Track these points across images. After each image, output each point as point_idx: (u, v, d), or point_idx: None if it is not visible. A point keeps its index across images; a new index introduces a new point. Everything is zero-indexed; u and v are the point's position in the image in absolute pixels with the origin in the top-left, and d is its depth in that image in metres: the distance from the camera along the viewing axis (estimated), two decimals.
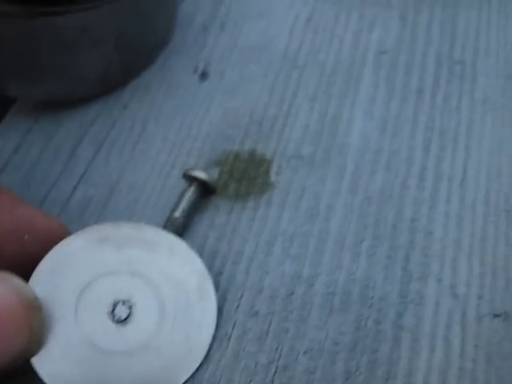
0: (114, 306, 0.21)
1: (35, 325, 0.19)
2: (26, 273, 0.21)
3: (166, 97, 0.30)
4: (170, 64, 0.32)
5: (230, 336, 0.22)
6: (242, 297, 0.23)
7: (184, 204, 0.25)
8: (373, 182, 0.25)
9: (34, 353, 0.20)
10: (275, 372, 0.21)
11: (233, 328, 0.22)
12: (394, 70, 0.28)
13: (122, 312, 0.21)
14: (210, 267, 0.23)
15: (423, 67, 0.28)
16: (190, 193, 0.25)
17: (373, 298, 0.22)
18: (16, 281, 0.19)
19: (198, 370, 0.21)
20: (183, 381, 0.21)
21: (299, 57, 0.30)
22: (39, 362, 0.20)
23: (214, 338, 0.22)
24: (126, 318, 0.21)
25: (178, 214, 0.25)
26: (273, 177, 0.26)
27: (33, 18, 0.27)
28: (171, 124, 0.29)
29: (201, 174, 0.25)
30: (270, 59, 0.30)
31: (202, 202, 0.26)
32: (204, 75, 0.31)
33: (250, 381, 0.21)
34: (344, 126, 0.27)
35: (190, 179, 0.25)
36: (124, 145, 0.29)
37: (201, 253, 0.23)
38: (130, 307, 0.21)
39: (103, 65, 0.29)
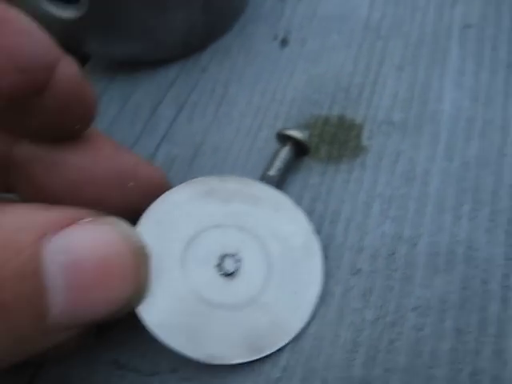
0: (222, 259, 0.21)
1: (143, 273, 0.19)
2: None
3: (246, 62, 0.30)
4: (248, 31, 0.31)
5: (334, 293, 0.22)
6: (342, 256, 0.23)
7: (279, 163, 0.25)
8: (468, 149, 0.25)
9: (139, 302, 0.19)
10: (383, 328, 0.21)
11: (336, 285, 0.22)
12: (480, 43, 0.28)
13: (229, 266, 0.21)
14: None
15: (510, 42, 0.28)
16: (285, 152, 0.25)
17: (478, 259, 0.22)
18: (125, 226, 0.18)
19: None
20: (290, 338, 0.21)
21: (382, 28, 0.30)
22: (145, 312, 0.20)
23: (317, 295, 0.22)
24: (233, 272, 0.21)
25: (272, 172, 0.24)
26: (365, 141, 0.26)
27: None
28: (254, 88, 0.29)
29: (296, 134, 0.25)
30: (352, 29, 0.30)
31: (295, 163, 0.26)
32: (284, 43, 0.31)
33: (357, 336, 0.21)
34: (434, 94, 0.27)
35: (284, 139, 0.25)
36: (206, 107, 0.29)
37: None
38: (238, 261, 0.21)
39: (188, 27, 0.29)
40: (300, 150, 0.25)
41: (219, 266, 0.21)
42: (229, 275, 0.21)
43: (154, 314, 0.20)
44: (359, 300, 0.22)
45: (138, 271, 0.18)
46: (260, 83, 0.29)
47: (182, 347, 0.20)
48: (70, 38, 0.29)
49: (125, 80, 0.30)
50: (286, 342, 0.21)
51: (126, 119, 0.29)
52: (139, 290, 0.19)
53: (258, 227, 0.22)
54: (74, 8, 0.28)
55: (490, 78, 0.27)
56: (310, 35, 0.31)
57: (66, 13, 0.29)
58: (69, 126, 0.19)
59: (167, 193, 0.22)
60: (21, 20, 0.17)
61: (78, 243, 0.16)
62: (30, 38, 0.17)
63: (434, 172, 0.25)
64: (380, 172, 0.25)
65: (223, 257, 0.21)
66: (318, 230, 0.24)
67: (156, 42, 0.29)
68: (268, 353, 0.21)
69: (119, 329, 0.22)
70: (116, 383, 0.22)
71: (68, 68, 0.18)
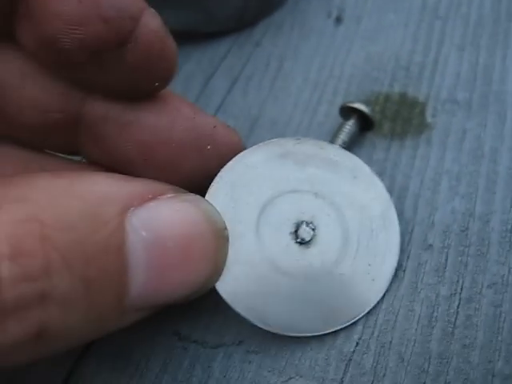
0: (298, 226, 0.20)
1: (222, 256, 0.18)
2: (203, 190, 0.20)
3: (300, 38, 0.30)
4: (301, 7, 0.31)
5: (405, 268, 0.21)
6: (412, 230, 0.22)
7: (343, 136, 0.24)
8: None
9: (215, 282, 0.18)
10: (459, 304, 0.21)
11: (407, 260, 0.22)
12: None
13: (305, 233, 0.20)
14: None
15: None
16: (350, 124, 0.24)
17: None
18: (208, 205, 0.17)
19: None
20: (364, 312, 0.20)
21: (440, 9, 0.30)
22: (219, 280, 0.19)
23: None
24: (309, 240, 0.20)
25: (338, 144, 0.24)
26: (429, 118, 0.25)
27: None
28: (310, 64, 0.28)
29: (361, 107, 0.24)
30: (409, 9, 0.30)
31: (359, 137, 0.25)
32: (339, 20, 0.30)
33: (433, 311, 0.20)
34: (498, 75, 0.26)
35: (348, 112, 0.25)
36: (261, 80, 0.28)
37: None
38: (314, 229, 0.20)
39: (242, 1, 0.29)
40: (365, 124, 0.25)
41: (295, 233, 0.20)
42: (304, 243, 0.20)
43: (227, 282, 0.19)
44: (432, 275, 0.21)
45: (217, 254, 0.17)
46: (316, 59, 0.28)
47: (252, 316, 0.20)
48: None
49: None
50: (361, 315, 0.20)
51: (177, 90, 0.28)
52: (217, 273, 0.18)
53: (335, 194, 0.21)
54: None
55: None
56: (365, 13, 0.30)
57: None
58: (147, 83, 0.18)
59: (241, 154, 0.21)
60: None
61: (162, 219, 0.16)
62: None
63: (502, 150, 0.24)
64: (447, 149, 0.24)
65: (299, 224, 0.20)
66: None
67: (209, 14, 0.29)
68: (341, 326, 0.20)
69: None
70: (178, 355, 0.21)
71: (152, 21, 0.17)
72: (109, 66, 0.17)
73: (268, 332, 0.20)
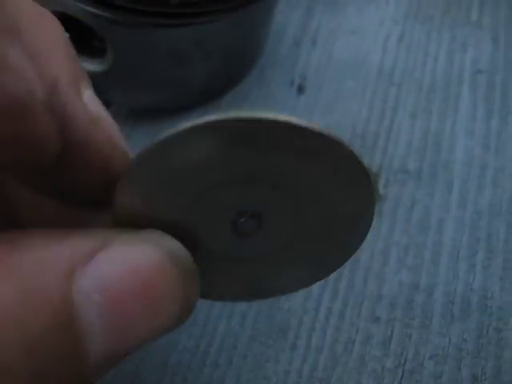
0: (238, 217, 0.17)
1: (191, 294, 0.16)
2: None
3: (265, 109, 0.31)
4: (265, 76, 0.33)
5: (354, 341, 0.23)
6: (362, 303, 0.24)
7: None
8: (481, 197, 0.26)
9: (187, 319, 0.16)
10: (402, 376, 0.22)
11: (356, 333, 0.23)
12: (491, 89, 0.30)
13: (246, 226, 0.17)
14: None
15: None
16: None
17: (492, 308, 0.23)
18: (171, 242, 0.15)
19: (324, 369, 0.23)
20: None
21: (395, 74, 0.31)
22: None
23: (339, 342, 0.23)
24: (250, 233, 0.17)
25: None
26: (381, 189, 0.27)
27: (148, 28, 0.28)
28: None
29: None
30: (366, 75, 0.31)
31: None
32: (301, 89, 0.32)
33: (378, 383, 0.22)
34: (447, 142, 0.28)
35: None
36: None
37: None
38: (259, 221, 0.17)
39: (208, 76, 0.31)
40: None
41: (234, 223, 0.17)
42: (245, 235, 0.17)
43: None
44: (379, 347, 0.23)
45: (186, 293, 0.15)
46: None
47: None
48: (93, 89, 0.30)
49: (146, 127, 0.32)
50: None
51: None
52: (188, 311, 0.16)
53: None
54: (98, 62, 0.30)
55: (500, 125, 0.28)
56: (326, 81, 0.32)
57: (92, 66, 0.30)
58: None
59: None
60: None
61: (116, 273, 0.14)
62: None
63: (448, 221, 0.26)
64: (397, 220, 0.26)
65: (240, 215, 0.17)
66: (339, 278, 0.25)
67: (177, 91, 0.31)
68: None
69: None
70: None
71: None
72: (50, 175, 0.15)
73: None
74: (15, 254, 0.13)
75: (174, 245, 0.15)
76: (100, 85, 0.31)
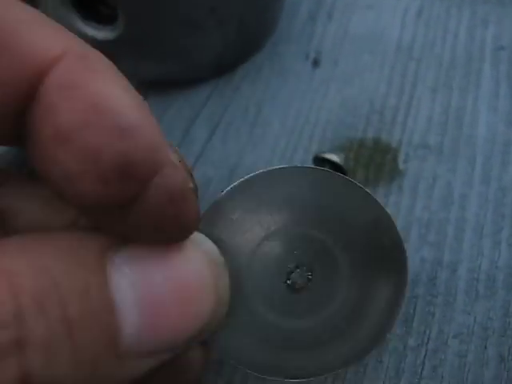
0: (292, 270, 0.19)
1: (222, 285, 0.16)
2: None
3: (278, 82, 0.30)
4: (280, 51, 0.32)
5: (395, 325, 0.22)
6: (407, 282, 0.23)
7: None
8: (506, 174, 0.25)
9: (221, 316, 0.17)
10: (425, 355, 0.21)
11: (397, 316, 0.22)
12: None
13: (298, 278, 0.19)
14: None
15: None
16: None
17: None
18: (210, 245, 0.17)
19: None
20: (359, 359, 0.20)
21: (414, 49, 0.30)
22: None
23: None
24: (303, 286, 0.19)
25: None
26: (401, 165, 0.26)
27: None
28: (288, 108, 0.29)
29: (333, 157, 0.25)
30: (384, 50, 0.31)
31: None
32: (316, 63, 0.31)
33: (400, 362, 0.21)
34: (469, 118, 0.27)
35: (320, 162, 0.25)
36: (240, 127, 0.29)
37: None
38: (310, 273, 0.19)
39: (221, 47, 0.29)
40: None
41: (288, 275, 0.19)
42: (297, 288, 0.19)
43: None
44: (401, 325, 0.22)
45: (217, 283, 0.16)
46: (293, 104, 0.29)
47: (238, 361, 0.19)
48: None
49: (157, 99, 0.31)
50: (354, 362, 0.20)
51: None
52: (221, 305, 0.17)
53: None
54: (109, 29, 0.29)
55: None
56: (342, 55, 0.31)
57: (101, 34, 0.29)
58: (156, 240, 0.16)
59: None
60: (121, 110, 0.13)
61: (146, 256, 0.15)
62: (124, 140, 0.13)
63: (471, 197, 0.25)
64: (417, 196, 0.25)
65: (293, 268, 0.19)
66: None
67: (189, 62, 0.30)
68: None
69: None
70: None
71: (168, 180, 0.14)
72: (111, 219, 0.15)
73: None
74: (53, 235, 0.14)
75: (210, 246, 0.16)
76: (109, 54, 0.29)
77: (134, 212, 0.14)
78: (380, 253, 0.19)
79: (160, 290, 0.15)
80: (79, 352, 0.13)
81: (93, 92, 0.13)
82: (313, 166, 0.20)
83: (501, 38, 0.30)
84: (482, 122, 0.27)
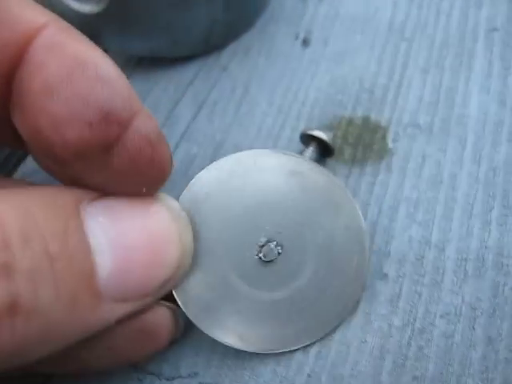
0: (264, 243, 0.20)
1: (186, 237, 0.19)
2: None
3: (267, 62, 0.30)
4: (269, 30, 0.31)
5: (360, 297, 0.22)
6: (369, 259, 0.22)
7: None
8: (496, 154, 0.24)
9: (187, 267, 0.19)
10: (411, 335, 0.21)
11: (362, 290, 0.22)
12: (507, 47, 0.28)
13: (271, 252, 0.20)
14: None
15: None
16: (309, 153, 0.24)
17: (508, 266, 0.22)
18: (170, 201, 0.18)
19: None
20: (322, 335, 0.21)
21: (406, 30, 0.30)
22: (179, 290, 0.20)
23: None
24: (274, 259, 0.20)
25: None
26: (390, 143, 0.25)
27: None
28: (276, 88, 0.28)
29: (321, 134, 0.24)
30: (375, 30, 0.30)
31: (319, 164, 0.25)
32: (306, 42, 0.30)
33: (385, 343, 0.21)
34: (460, 97, 0.26)
35: (307, 139, 0.25)
36: (226, 106, 0.28)
37: None
38: (280, 247, 0.20)
39: (209, 23, 0.29)
40: (324, 152, 0.25)
41: (260, 248, 0.20)
42: (268, 261, 0.20)
43: (186, 290, 0.20)
44: (386, 305, 0.21)
45: (181, 235, 0.18)
46: (281, 83, 0.28)
47: (208, 329, 0.20)
48: (88, 33, 0.28)
49: (143, 77, 0.30)
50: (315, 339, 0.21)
51: None
52: (184, 256, 0.18)
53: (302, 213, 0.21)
54: (94, 3, 0.28)
55: None
56: (332, 35, 0.30)
57: (86, 7, 0.28)
58: (135, 187, 0.17)
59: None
60: (100, 65, 0.15)
61: (118, 207, 0.17)
62: (105, 88, 0.15)
63: (461, 176, 0.24)
64: (406, 175, 0.24)
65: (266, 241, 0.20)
66: None
67: (176, 38, 0.29)
68: (295, 348, 0.20)
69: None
70: None
71: (144, 125, 0.16)
72: (94, 167, 0.16)
73: (223, 364, 0.21)
74: (35, 187, 0.16)
75: (173, 202, 0.18)
76: (95, 29, 0.29)
77: (115, 156, 0.16)
78: (344, 232, 0.21)
79: (130, 238, 0.16)
80: (60, 286, 0.14)
81: (76, 50, 0.15)
82: (288, 153, 0.21)
83: (494, 19, 0.29)
84: (474, 101, 0.26)
